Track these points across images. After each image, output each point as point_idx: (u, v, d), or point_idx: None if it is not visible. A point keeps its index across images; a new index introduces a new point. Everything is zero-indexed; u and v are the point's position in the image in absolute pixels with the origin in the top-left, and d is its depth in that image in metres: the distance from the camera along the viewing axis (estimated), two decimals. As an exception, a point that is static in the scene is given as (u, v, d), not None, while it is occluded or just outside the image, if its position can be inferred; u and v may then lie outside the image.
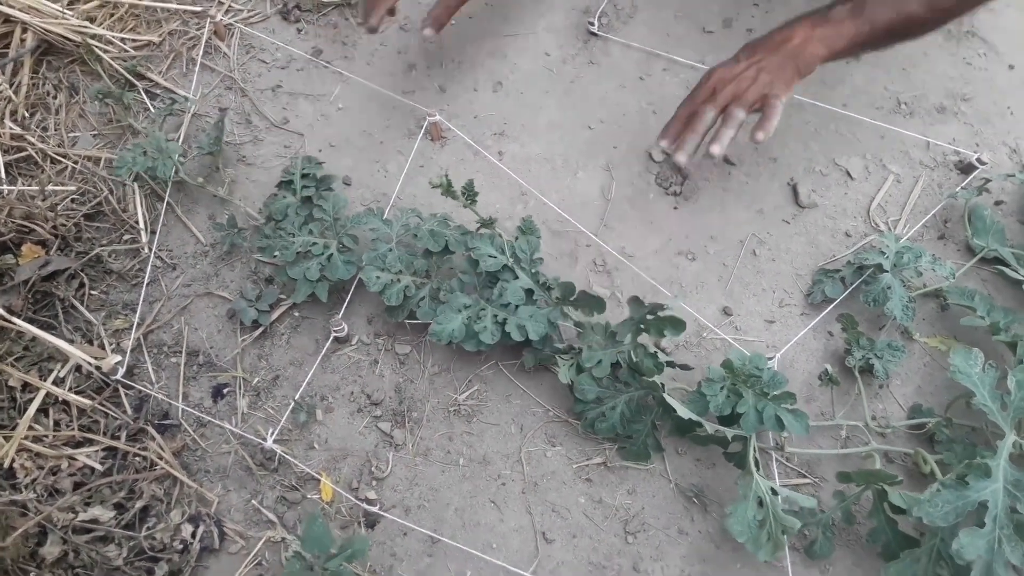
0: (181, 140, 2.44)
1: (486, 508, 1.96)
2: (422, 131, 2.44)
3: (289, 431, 2.04)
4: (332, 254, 2.09)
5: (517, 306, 1.96)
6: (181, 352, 2.14)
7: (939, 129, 2.50)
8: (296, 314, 2.20)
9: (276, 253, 2.11)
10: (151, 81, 2.56)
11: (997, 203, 2.37)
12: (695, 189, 2.40)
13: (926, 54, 2.65)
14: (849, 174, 2.42)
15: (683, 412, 1.79)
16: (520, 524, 1.94)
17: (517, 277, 2.03)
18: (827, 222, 2.35)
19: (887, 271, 2.08)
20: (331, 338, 2.11)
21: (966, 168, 2.41)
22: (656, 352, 1.94)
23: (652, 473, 2.00)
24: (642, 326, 1.91)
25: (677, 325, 1.85)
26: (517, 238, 2.07)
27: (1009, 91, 2.59)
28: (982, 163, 2.36)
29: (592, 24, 2.63)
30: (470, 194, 1.96)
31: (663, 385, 1.86)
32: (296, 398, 2.05)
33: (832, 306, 2.16)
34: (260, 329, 2.16)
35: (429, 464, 2.01)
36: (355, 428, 2.05)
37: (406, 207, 2.23)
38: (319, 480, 1.97)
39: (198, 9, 2.66)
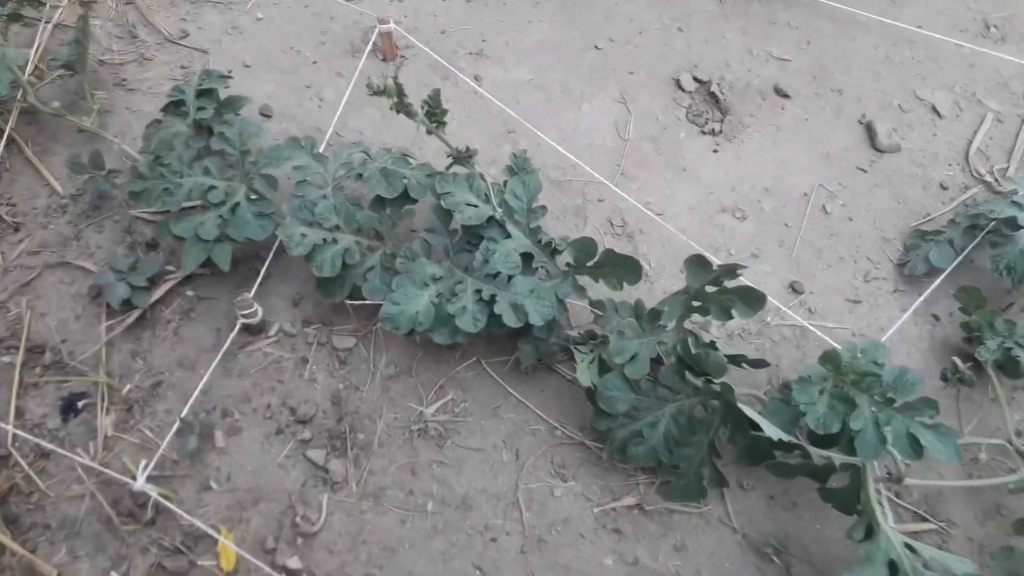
0: (36, 57, 1.76)
1: (468, 576, 1.32)
2: (369, 45, 1.79)
3: (174, 464, 1.38)
4: (238, 203, 1.43)
5: (510, 276, 1.33)
6: (18, 348, 1.46)
7: (1040, 58, 1.94)
8: (189, 293, 1.53)
9: (157, 202, 1.44)
10: (-1, -18, 1.87)
11: None
12: (739, 126, 1.79)
13: (1013, -32, 2.09)
14: (936, 110, 1.84)
15: (771, 430, 1.17)
16: (519, 601, 1.31)
17: (509, 235, 1.39)
18: (915, 170, 1.76)
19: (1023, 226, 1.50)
20: (238, 326, 1.46)
21: (1084, 104, 1.85)
22: (713, 342, 1.33)
23: (707, 519, 1.38)
24: (695, 303, 1.29)
25: (752, 300, 1.24)
26: (506, 181, 1.44)
27: (1120, 13, 2.04)
28: (1111, 94, 1.80)
29: (595, -80, 2.01)
30: (435, 110, 1.33)
31: (733, 390, 1.24)
32: (183, 415, 1.38)
33: (940, 279, 1.57)
34: (136, 313, 1.49)
35: (382, 511, 1.37)
36: (272, 458, 1.40)
37: (348, 143, 1.58)
38: (217, 539, 1.31)
39: None
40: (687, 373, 1.30)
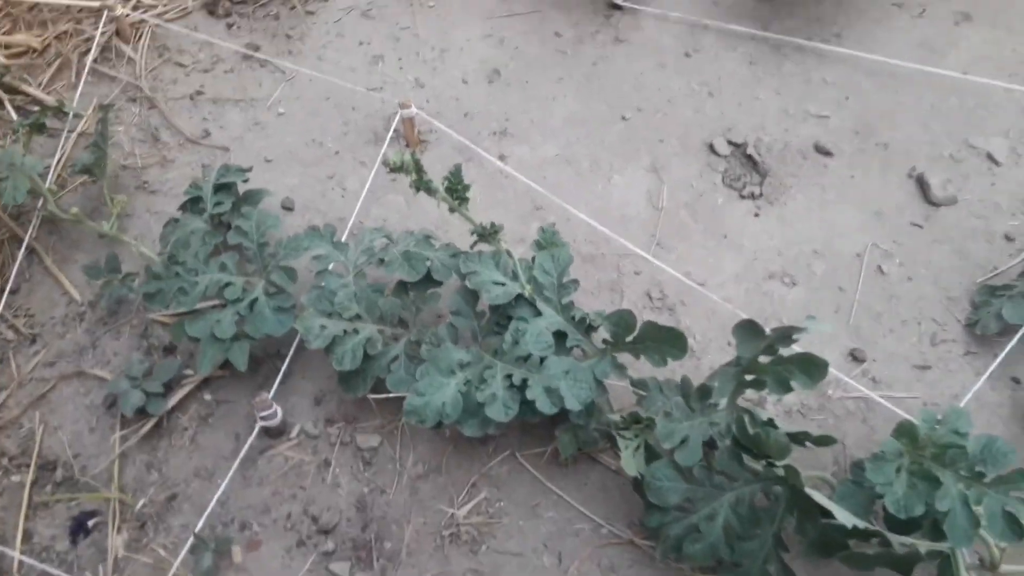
0: (61, 165, 1.76)
1: None
2: (391, 132, 1.75)
3: (188, 584, 1.28)
4: (256, 298, 1.37)
5: (542, 358, 1.23)
6: (29, 466, 1.40)
7: (1099, 97, 1.81)
8: (207, 397, 1.46)
9: (172, 302, 1.38)
10: (27, 96, 1.90)
11: None
12: (780, 188, 1.69)
13: (1057, 8, 1.99)
14: (992, 158, 1.72)
15: (844, 517, 1.03)
16: None
17: (540, 314, 1.30)
18: (975, 223, 1.63)
19: (1105, 277, 1.36)
20: (256, 429, 1.37)
21: None
22: (771, 420, 1.19)
23: (779, 624, 1.21)
24: (749, 376, 1.17)
25: (813, 369, 1.11)
26: (534, 257, 1.36)
27: None
28: None
29: (615, -7, 1.99)
30: (456, 186, 1.26)
31: (799, 474, 1.10)
32: (197, 530, 1.29)
33: (1018, 336, 1.42)
34: (151, 422, 1.42)
35: (413, 628, 1.24)
36: (293, 574, 1.28)
37: (370, 229, 1.52)
38: (231, 667, 1.19)
39: (95, 4, 2.01)
40: (744, 457, 1.17)
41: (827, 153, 1.74)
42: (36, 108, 1.85)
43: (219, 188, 1.51)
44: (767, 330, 1.12)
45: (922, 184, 1.68)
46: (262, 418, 1.35)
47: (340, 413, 1.43)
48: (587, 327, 1.30)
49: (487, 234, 1.30)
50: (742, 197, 1.68)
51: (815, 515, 1.10)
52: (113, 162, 1.73)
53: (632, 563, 1.27)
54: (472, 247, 1.37)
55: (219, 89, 1.91)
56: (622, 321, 1.26)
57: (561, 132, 1.79)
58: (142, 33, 2.00)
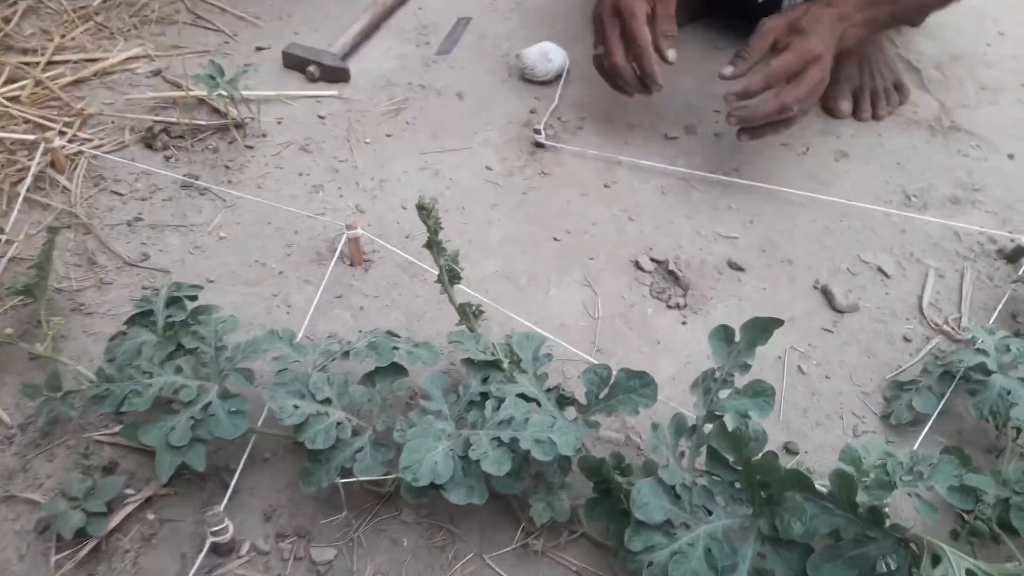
0: (-11, 290, 1.72)
1: None
2: (337, 251, 1.81)
3: None
4: (211, 402, 1.36)
5: (526, 419, 1.28)
6: (-52, 602, 1.28)
7: (961, 220, 2.09)
8: (150, 516, 1.40)
9: (123, 403, 1.35)
10: (-47, 225, 1.87)
11: (1066, 287, 1.91)
12: (701, 299, 1.84)
13: (916, 148, 2.31)
14: (883, 271, 1.93)
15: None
16: None
17: (515, 382, 1.36)
18: (877, 327, 1.81)
19: (994, 371, 1.53)
20: (206, 547, 1.32)
21: (1013, 255, 1.97)
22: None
23: None
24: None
25: (764, 398, 1.31)
26: (509, 336, 1.45)
27: (1019, 178, 2.24)
28: (1032, 245, 1.93)
29: (539, 133, 2.18)
30: (453, 266, 1.37)
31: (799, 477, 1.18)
32: (143, 656, 1.21)
33: (928, 426, 1.56)
34: (90, 544, 1.34)
35: None
36: None
37: (324, 337, 1.55)
38: None
39: (30, 137, 2.04)
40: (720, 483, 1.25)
41: (739, 268, 1.91)
42: (-38, 236, 1.82)
43: (170, 303, 1.51)
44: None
45: (827, 294, 1.86)
46: (213, 534, 1.30)
47: (292, 527, 1.40)
48: (564, 398, 1.38)
49: (471, 315, 1.38)
50: (669, 307, 1.81)
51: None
52: (48, 285, 1.70)
53: (601, 659, 1.27)
54: (457, 325, 1.45)
55: (158, 215, 1.94)
56: (599, 374, 1.36)
57: (499, 251, 1.90)
58: (77, 164, 2.03)
